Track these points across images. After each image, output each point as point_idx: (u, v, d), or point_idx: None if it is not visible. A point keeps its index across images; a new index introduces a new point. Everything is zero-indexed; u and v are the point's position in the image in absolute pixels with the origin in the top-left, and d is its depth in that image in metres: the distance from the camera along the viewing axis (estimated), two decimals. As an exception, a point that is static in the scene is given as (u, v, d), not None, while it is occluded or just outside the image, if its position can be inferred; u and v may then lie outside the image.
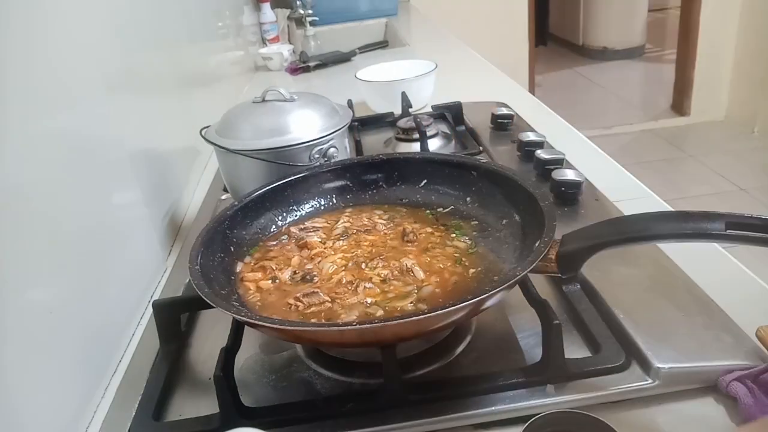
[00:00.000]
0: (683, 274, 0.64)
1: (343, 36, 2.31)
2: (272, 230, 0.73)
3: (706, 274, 0.64)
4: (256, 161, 0.80)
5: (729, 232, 0.50)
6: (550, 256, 0.55)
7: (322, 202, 0.77)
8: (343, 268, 0.64)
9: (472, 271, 0.61)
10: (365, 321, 0.54)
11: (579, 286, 0.64)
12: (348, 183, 0.78)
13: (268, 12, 2.03)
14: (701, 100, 3.61)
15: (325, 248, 0.68)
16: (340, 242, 0.69)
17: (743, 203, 2.68)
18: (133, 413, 0.56)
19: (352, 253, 0.66)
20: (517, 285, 0.57)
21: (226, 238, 0.66)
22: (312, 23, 2.32)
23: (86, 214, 0.65)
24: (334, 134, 0.83)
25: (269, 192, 0.73)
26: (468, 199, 0.72)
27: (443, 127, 1.15)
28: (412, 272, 0.61)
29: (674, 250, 0.68)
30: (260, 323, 0.51)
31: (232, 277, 0.64)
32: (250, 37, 2.00)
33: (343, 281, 0.61)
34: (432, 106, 1.24)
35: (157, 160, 0.93)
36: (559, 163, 0.89)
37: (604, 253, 0.55)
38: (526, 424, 0.46)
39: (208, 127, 0.88)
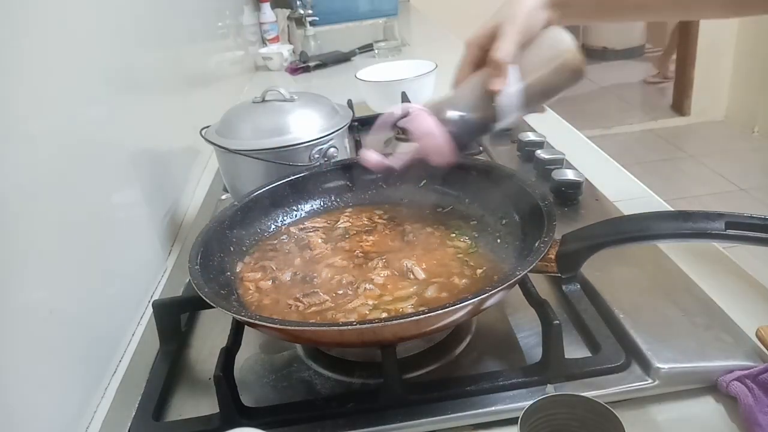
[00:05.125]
0: (683, 274, 0.64)
1: (343, 36, 2.31)
2: (272, 230, 0.73)
3: (706, 274, 0.64)
4: (256, 161, 0.80)
5: (729, 232, 0.50)
6: (550, 256, 0.55)
7: (322, 202, 0.77)
8: (344, 268, 0.64)
9: (479, 271, 0.61)
10: (365, 321, 0.54)
11: (579, 286, 0.64)
12: (348, 183, 0.78)
13: (268, 12, 2.03)
14: (701, 100, 3.61)
15: (325, 249, 0.68)
16: (341, 243, 0.68)
17: (743, 203, 2.67)
18: (133, 413, 0.56)
19: (353, 253, 0.66)
20: (517, 285, 0.57)
21: (226, 238, 0.66)
22: (312, 23, 2.32)
23: (86, 213, 0.65)
24: (334, 134, 0.83)
25: (269, 192, 0.73)
26: (468, 199, 0.72)
27: (443, 127, 1.14)
28: (413, 272, 0.61)
29: (674, 250, 0.68)
30: (260, 323, 0.51)
31: (232, 277, 0.64)
32: (250, 37, 2.00)
33: (344, 282, 0.61)
34: (432, 106, 1.23)
35: (157, 160, 0.93)
36: (559, 163, 0.89)
37: (604, 253, 0.55)
38: (526, 407, 0.45)
39: (208, 127, 0.88)
